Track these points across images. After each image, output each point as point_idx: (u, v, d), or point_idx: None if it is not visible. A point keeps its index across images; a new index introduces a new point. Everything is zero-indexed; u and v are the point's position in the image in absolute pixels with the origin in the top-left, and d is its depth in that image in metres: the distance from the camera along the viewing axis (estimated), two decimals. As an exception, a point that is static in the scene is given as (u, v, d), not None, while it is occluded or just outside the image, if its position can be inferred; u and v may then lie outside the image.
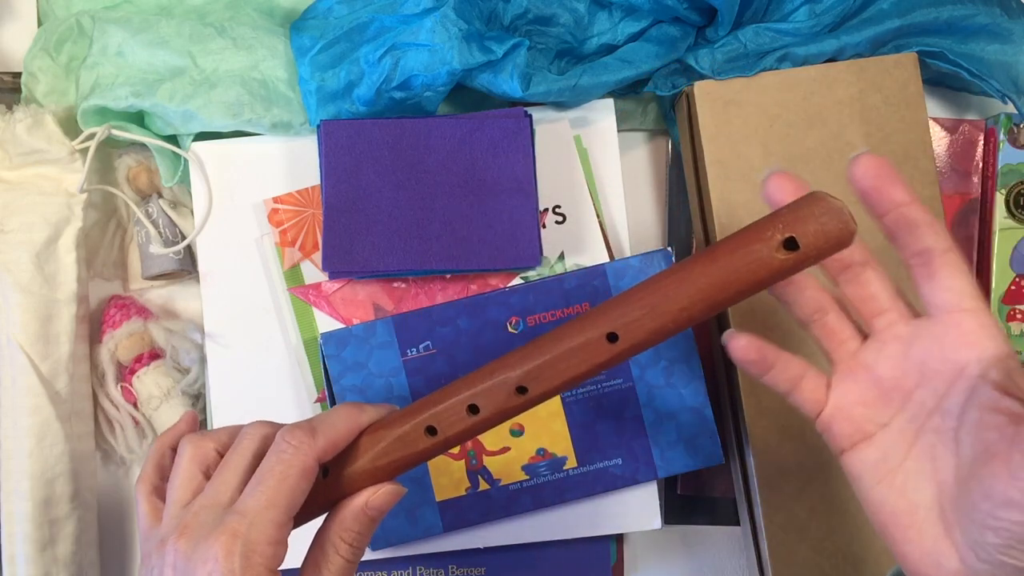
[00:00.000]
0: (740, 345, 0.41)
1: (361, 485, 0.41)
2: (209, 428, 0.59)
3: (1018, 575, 0.33)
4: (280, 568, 0.37)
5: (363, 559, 0.58)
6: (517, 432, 0.57)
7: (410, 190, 0.58)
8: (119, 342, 0.60)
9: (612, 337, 0.39)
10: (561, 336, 0.40)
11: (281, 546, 0.37)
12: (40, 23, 0.63)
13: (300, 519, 0.41)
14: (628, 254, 0.61)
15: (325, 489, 0.41)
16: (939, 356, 0.38)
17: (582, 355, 0.39)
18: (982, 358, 0.37)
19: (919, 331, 0.39)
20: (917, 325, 0.39)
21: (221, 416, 0.58)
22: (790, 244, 0.36)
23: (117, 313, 0.61)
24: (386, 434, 0.41)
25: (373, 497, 0.41)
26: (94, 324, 0.61)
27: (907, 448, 0.38)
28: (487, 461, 0.57)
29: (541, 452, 0.57)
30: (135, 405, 0.60)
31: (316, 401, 0.59)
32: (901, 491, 0.38)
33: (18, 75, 0.61)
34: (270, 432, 0.41)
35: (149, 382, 0.60)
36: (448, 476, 0.57)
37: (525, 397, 0.40)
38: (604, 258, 0.60)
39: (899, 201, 0.39)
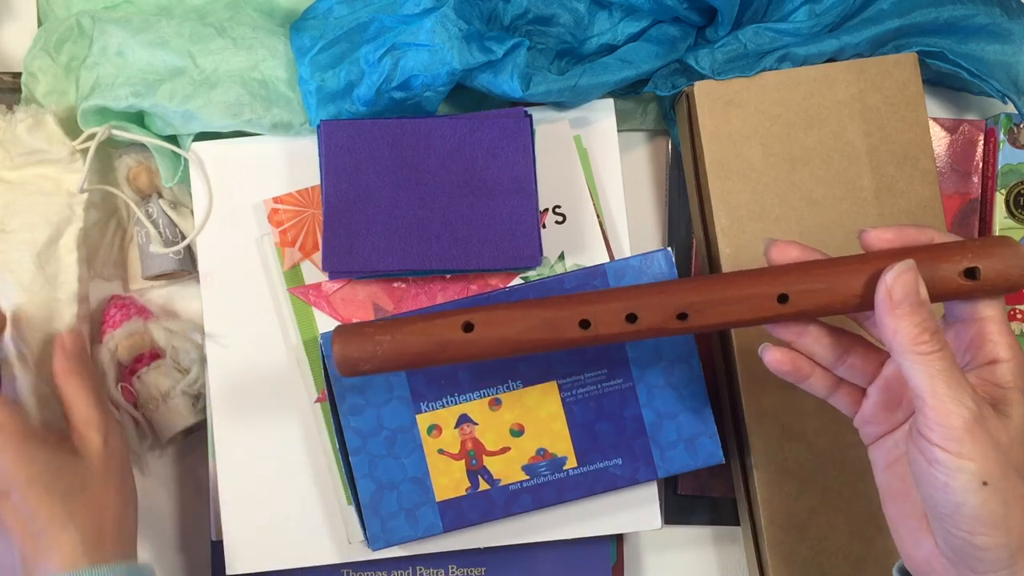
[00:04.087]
0: (775, 358, 0.44)
1: (500, 352, 0.43)
2: (209, 430, 0.59)
3: (975, 552, 0.38)
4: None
5: (363, 559, 0.58)
6: (517, 432, 0.57)
7: (410, 190, 0.58)
8: (119, 342, 0.60)
9: (783, 298, 0.41)
10: (734, 281, 0.42)
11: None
12: (40, 23, 0.63)
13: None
14: (628, 254, 0.61)
15: (465, 344, 0.43)
16: None
17: (750, 305, 0.41)
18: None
19: None
20: None
21: (221, 416, 0.58)
22: (971, 273, 0.40)
23: (117, 313, 0.61)
24: (539, 314, 0.43)
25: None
26: (94, 324, 0.61)
27: (909, 423, 0.42)
28: (487, 461, 0.57)
29: (541, 452, 0.57)
30: (135, 405, 0.60)
31: (316, 401, 0.59)
32: (900, 477, 0.43)
33: (18, 75, 0.61)
34: None
35: (150, 382, 0.60)
36: (448, 476, 0.57)
37: (683, 324, 0.42)
38: (604, 258, 0.60)
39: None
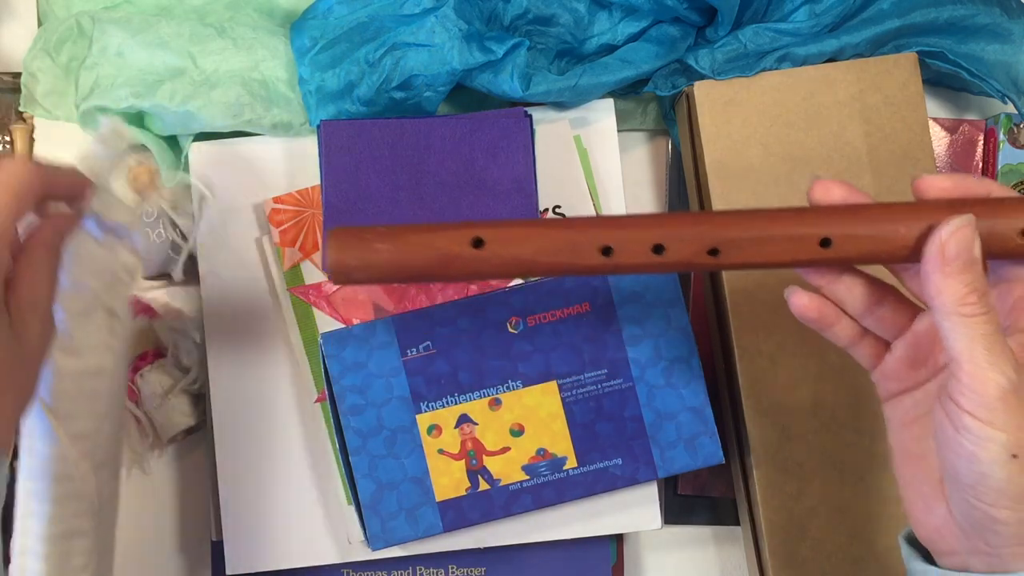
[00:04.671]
0: (802, 303, 0.42)
1: (512, 273, 0.40)
2: (209, 430, 0.59)
3: (994, 525, 0.36)
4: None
5: (363, 559, 0.58)
6: (517, 432, 0.57)
7: (410, 190, 0.58)
8: (121, 342, 0.60)
9: (825, 242, 0.38)
10: (775, 218, 0.39)
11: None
12: (40, 23, 0.63)
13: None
14: (628, 254, 0.60)
15: (473, 261, 0.39)
16: None
17: (790, 245, 0.38)
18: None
19: None
20: None
21: (221, 416, 0.58)
22: None
23: (121, 311, 0.61)
24: (558, 234, 0.39)
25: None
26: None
27: (931, 404, 0.40)
28: (487, 461, 0.57)
29: (541, 452, 0.57)
30: (137, 403, 0.60)
31: (316, 401, 0.59)
32: (917, 438, 0.41)
33: (18, 75, 0.61)
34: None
35: (153, 380, 0.60)
36: (448, 476, 0.57)
37: (715, 260, 0.39)
38: (604, 258, 0.60)
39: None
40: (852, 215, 0.38)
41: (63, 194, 0.45)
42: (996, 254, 0.38)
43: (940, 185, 0.39)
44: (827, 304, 0.42)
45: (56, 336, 0.44)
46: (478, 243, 0.39)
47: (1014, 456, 0.35)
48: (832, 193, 0.40)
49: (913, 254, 0.38)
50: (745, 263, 0.39)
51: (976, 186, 0.39)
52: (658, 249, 0.39)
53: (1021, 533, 0.36)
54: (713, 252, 0.39)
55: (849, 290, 0.41)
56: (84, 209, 0.46)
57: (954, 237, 0.36)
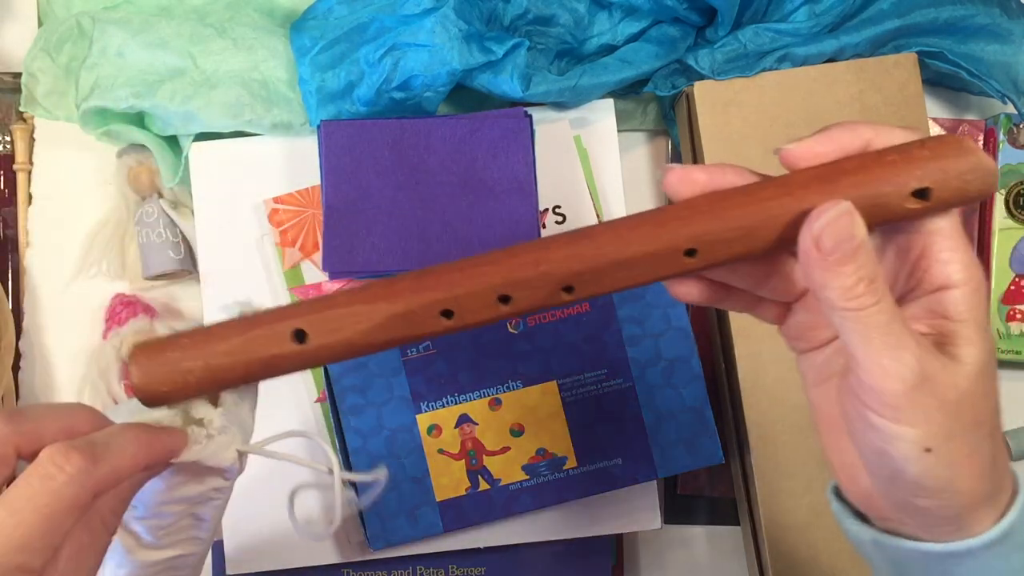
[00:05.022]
0: (682, 291, 0.37)
1: (343, 356, 0.35)
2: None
3: (918, 511, 0.34)
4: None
5: (363, 559, 0.58)
6: (517, 432, 0.57)
7: (410, 190, 0.58)
8: (124, 339, 0.60)
9: (690, 252, 0.33)
10: (628, 237, 0.33)
11: None
12: (40, 23, 0.63)
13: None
14: (628, 254, 0.60)
15: (300, 356, 0.35)
16: None
17: (650, 264, 0.34)
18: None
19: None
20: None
21: (221, 416, 0.58)
22: (921, 194, 0.32)
23: (124, 311, 0.61)
24: (387, 308, 0.34)
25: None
26: (98, 320, 0.62)
27: (844, 363, 0.36)
28: (487, 461, 0.57)
29: (541, 452, 0.57)
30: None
31: (316, 401, 0.59)
32: (832, 401, 0.37)
33: (18, 75, 0.61)
34: (30, 430, 0.31)
35: (150, 382, 0.60)
36: (448, 476, 0.57)
37: (572, 296, 0.35)
38: (604, 258, 0.60)
39: None
40: (715, 214, 0.33)
41: (135, 474, 0.34)
42: (886, 222, 0.33)
43: (809, 152, 0.33)
44: (711, 286, 0.37)
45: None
46: (300, 336, 0.35)
47: (927, 450, 0.32)
48: (694, 182, 0.34)
49: (791, 243, 0.33)
50: (607, 292, 0.35)
51: (848, 139, 0.33)
52: (505, 299, 0.34)
53: (948, 516, 0.33)
54: (568, 289, 0.34)
55: (731, 272, 0.36)
56: (161, 469, 0.36)
57: (829, 229, 0.31)
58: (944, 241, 0.33)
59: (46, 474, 0.30)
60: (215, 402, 0.36)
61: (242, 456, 0.38)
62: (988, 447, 0.33)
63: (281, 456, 0.37)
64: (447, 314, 0.34)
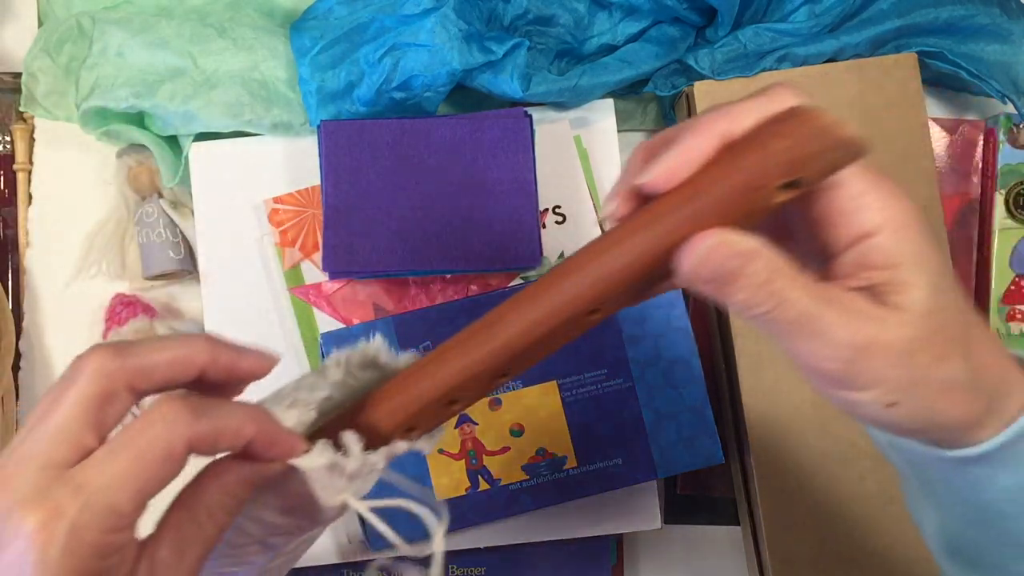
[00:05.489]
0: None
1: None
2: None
3: (893, 431, 0.33)
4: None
5: (363, 559, 0.58)
6: (517, 432, 0.57)
7: (410, 190, 0.58)
8: (124, 339, 0.60)
9: (593, 311, 0.33)
10: (538, 320, 0.33)
11: (120, 534, 0.29)
12: (40, 23, 0.63)
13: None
14: (628, 254, 0.60)
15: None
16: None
17: (566, 331, 0.33)
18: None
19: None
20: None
21: (221, 416, 0.58)
22: (791, 185, 0.30)
23: (124, 310, 0.61)
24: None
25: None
26: (98, 320, 0.62)
27: None
28: (487, 461, 0.57)
29: (541, 452, 0.57)
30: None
31: (316, 401, 0.59)
32: None
33: (18, 75, 0.61)
34: (136, 369, 0.31)
35: (150, 382, 0.60)
36: (448, 476, 0.57)
37: (506, 379, 0.35)
38: (604, 258, 0.60)
39: None
40: (602, 272, 0.32)
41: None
42: (767, 215, 0.31)
43: (672, 174, 0.30)
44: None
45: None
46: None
47: (891, 405, 0.31)
48: (616, 211, 0.33)
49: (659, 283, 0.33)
50: (533, 364, 0.35)
51: (705, 143, 0.30)
52: (453, 402, 0.35)
53: (946, 438, 0.33)
54: (504, 375, 0.34)
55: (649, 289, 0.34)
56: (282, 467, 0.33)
57: (701, 268, 0.30)
58: (847, 191, 0.31)
59: (149, 420, 0.30)
60: (365, 446, 0.34)
61: (344, 509, 0.34)
62: (964, 372, 0.31)
63: (379, 526, 0.34)
64: (409, 430, 0.35)
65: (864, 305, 0.30)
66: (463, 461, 0.57)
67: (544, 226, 0.60)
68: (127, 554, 0.30)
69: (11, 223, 0.63)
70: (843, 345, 0.30)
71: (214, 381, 0.33)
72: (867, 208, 0.31)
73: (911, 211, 0.31)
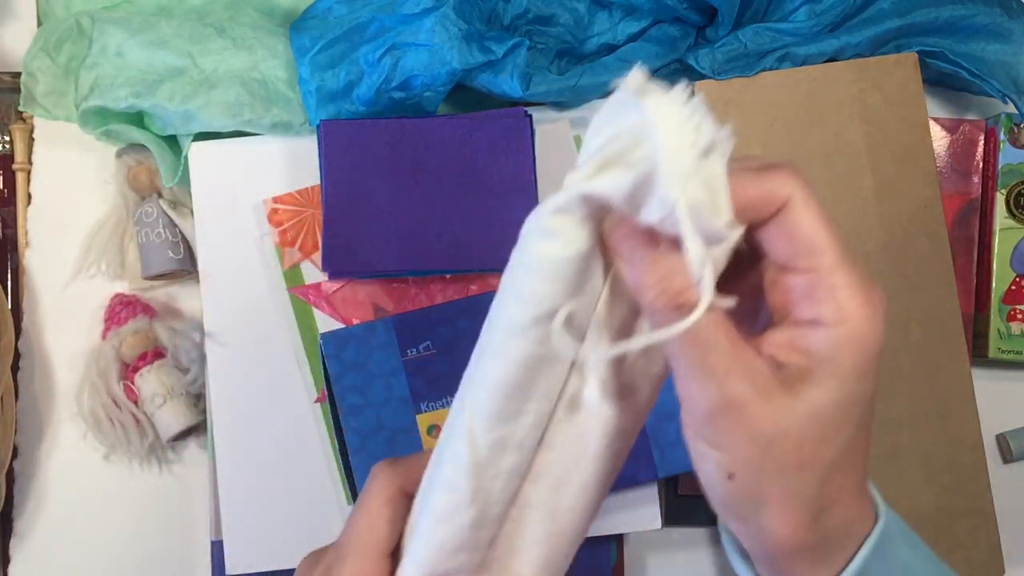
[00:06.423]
0: None
1: None
2: (209, 430, 0.59)
3: (720, 510, 0.33)
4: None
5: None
6: (517, 432, 0.57)
7: (410, 190, 0.58)
8: (124, 339, 0.60)
9: None
10: None
11: None
12: (40, 23, 0.63)
13: None
14: (628, 254, 0.60)
15: None
16: None
17: None
18: None
19: None
20: None
21: (221, 416, 0.58)
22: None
23: (123, 310, 0.61)
24: None
25: None
26: (97, 320, 0.62)
27: None
28: (487, 461, 0.57)
29: (541, 452, 0.57)
30: (136, 403, 0.60)
31: (316, 401, 0.59)
32: None
33: (18, 75, 0.61)
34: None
35: (153, 380, 0.60)
36: (448, 476, 0.57)
37: None
38: (604, 258, 0.60)
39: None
40: None
41: None
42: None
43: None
44: None
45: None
46: None
47: (730, 476, 0.31)
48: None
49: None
50: None
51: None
52: None
53: (762, 557, 0.33)
54: None
55: None
56: None
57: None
58: (828, 278, 0.30)
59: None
60: None
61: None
62: (814, 495, 0.31)
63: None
64: None
65: (765, 375, 0.30)
66: (463, 461, 0.57)
67: (544, 226, 0.60)
68: None
69: (10, 223, 0.63)
70: (713, 396, 0.29)
71: None
72: (830, 302, 0.30)
73: (871, 320, 0.30)
